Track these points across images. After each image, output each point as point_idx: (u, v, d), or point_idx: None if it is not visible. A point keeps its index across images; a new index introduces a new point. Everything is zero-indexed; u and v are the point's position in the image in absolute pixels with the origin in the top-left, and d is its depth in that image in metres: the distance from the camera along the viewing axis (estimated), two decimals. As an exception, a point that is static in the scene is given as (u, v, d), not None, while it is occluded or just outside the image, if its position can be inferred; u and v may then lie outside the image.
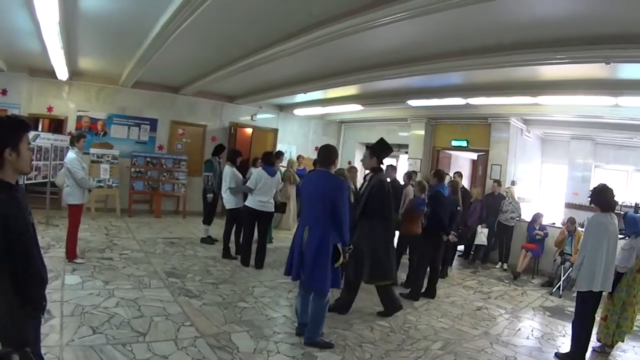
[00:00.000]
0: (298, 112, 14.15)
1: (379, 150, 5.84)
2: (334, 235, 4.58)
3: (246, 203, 7.52)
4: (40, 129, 12.50)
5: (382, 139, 5.98)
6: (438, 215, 6.82)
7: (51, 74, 10.18)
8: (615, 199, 5.18)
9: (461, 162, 13.15)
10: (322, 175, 4.85)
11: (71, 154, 6.68)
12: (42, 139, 9.37)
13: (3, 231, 2.09)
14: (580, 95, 7.41)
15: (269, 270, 7.50)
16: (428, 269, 7.07)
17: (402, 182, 9.43)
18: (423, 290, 6.97)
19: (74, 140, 6.82)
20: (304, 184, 5.04)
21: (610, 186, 5.12)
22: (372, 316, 5.87)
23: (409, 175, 9.84)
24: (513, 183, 10.76)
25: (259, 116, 14.31)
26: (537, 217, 9.40)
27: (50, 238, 7.89)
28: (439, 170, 7.51)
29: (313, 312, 4.72)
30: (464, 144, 12.01)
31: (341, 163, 15.70)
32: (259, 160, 8.27)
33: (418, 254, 7.16)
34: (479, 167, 11.90)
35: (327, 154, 4.87)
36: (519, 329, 6.04)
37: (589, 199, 5.28)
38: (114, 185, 11.15)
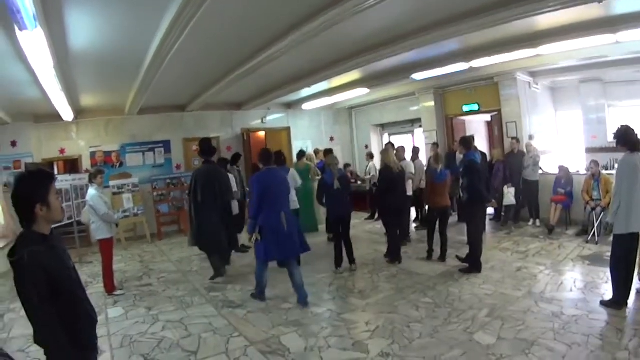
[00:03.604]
0: (306, 106, 14.06)
1: (200, 150, 7.48)
2: None
3: None
4: (56, 171, 12.67)
5: (201, 140, 7.65)
6: (477, 186, 6.58)
7: (56, 117, 10.30)
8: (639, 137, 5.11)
9: (475, 126, 12.92)
10: (281, 171, 6.50)
11: (92, 191, 6.78)
12: (60, 181, 9.47)
13: (47, 281, 2.14)
14: (580, 38, 7.23)
15: (307, 266, 7.27)
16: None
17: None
18: (464, 257, 7.00)
19: (92, 177, 6.94)
20: (271, 180, 5.81)
21: (631, 125, 5.05)
22: (416, 295, 5.89)
23: (415, 151, 10.55)
24: (530, 137, 10.59)
25: (269, 118, 14.35)
26: (562, 171, 9.23)
27: (86, 276, 7.99)
28: (465, 138, 7.18)
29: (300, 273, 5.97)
30: (475, 107, 11.88)
31: (358, 147, 15.92)
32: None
33: (469, 227, 6.90)
34: (495, 128, 11.74)
35: (270, 155, 6.02)
36: (562, 283, 6.01)
37: (615, 140, 5.20)
38: (139, 212, 11.31)
